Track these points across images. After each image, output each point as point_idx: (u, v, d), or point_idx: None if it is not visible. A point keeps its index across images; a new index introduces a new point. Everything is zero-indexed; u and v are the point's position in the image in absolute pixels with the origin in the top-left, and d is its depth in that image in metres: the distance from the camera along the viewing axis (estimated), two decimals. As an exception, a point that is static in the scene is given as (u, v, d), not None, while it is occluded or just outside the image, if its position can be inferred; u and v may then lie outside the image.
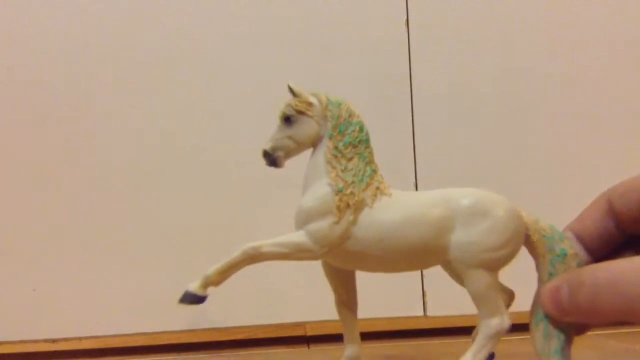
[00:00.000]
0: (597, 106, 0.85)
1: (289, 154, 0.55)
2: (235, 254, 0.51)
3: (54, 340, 0.77)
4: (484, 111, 0.84)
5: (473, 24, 0.84)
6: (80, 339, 0.77)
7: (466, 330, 0.69)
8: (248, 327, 0.78)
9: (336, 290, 0.57)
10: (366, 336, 0.77)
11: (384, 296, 0.80)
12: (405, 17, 0.83)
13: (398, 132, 0.82)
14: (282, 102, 0.65)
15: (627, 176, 0.46)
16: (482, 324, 0.50)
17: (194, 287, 0.51)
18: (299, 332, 0.79)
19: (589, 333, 0.79)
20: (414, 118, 0.83)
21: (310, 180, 0.54)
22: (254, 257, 0.51)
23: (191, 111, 0.82)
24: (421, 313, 0.79)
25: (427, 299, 0.79)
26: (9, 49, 0.81)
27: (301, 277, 0.80)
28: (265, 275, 0.79)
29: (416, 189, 0.81)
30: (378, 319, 0.79)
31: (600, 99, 0.85)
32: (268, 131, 0.79)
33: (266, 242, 0.51)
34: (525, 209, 0.59)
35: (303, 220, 0.52)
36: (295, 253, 0.52)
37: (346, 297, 0.57)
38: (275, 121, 0.60)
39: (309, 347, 0.77)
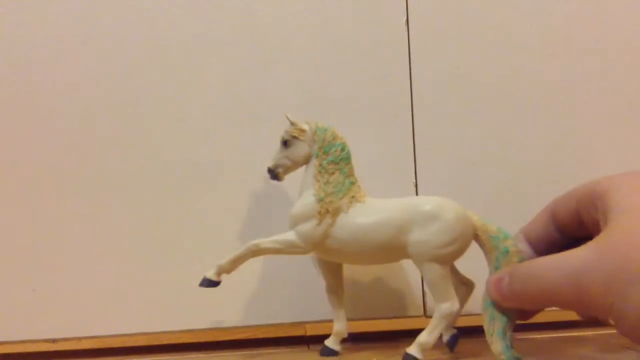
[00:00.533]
0: (599, 107, 0.85)
1: (287, 170, 0.69)
2: (241, 248, 0.65)
3: (54, 340, 0.77)
4: (485, 111, 0.84)
5: (473, 23, 0.84)
6: (80, 339, 0.77)
7: (466, 330, 0.69)
8: (248, 327, 0.78)
9: (326, 278, 0.71)
10: (367, 336, 0.77)
11: (385, 297, 0.80)
12: (405, 17, 0.83)
13: (398, 132, 0.82)
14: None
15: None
16: (435, 308, 0.62)
17: (209, 274, 0.65)
18: (299, 332, 0.79)
19: (589, 333, 0.80)
20: (414, 118, 0.83)
21: (302, 191, 0.68)
22: (255, 252, 0.65)
23: (195, 112, 0.82)
24: (421, 313, 0.79)
25: (427, 299, 0.79)
26: (9, 49, 0.81)
27: (301, 277, 0.80)
28: (265, 275, 0.80)
29: (416, 189, 0.82)
30: (378, 319, 0.79)
31: (604, 99, 0.85)
32: (266, 131, 0.80)
33: (265, 240, 0.66)
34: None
35: (293, 222, 0.66)
36: (287, 249, 0.66)
37: (334, 284, 0.70)
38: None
39: (309, 348, 0.77)
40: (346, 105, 0.82)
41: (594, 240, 0.44)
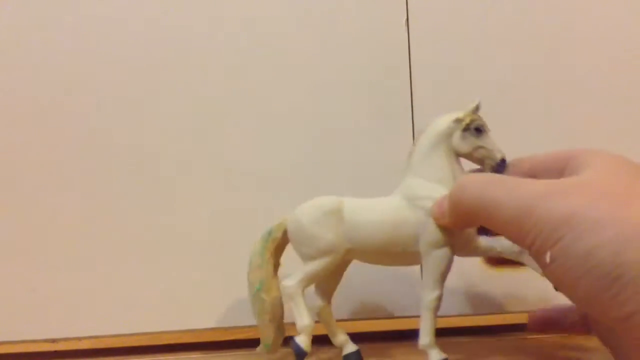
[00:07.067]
0: (600, 107, 0.85)
1: None
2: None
3: (54, 340, 0.77)
4: (485, 111, 0.84)
5: (474, 23, 0.84)
6: (80, 339, 0.77)
7: (466, 331, 0.70)
8: (248, 327, 0.78)
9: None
10: (367, 336, 0.77)
11: (385, 297, 0.80)
12: (405, 17, 0.83)
13: (398, 133, 0.82)
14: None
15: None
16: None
17: None
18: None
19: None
20: (414, 118, 0.83)
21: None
22: None
23: (197, 113, 0.82)
24: (420, 313, 0.79)
25: (427, 299, 0.79)
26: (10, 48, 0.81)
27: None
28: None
29: (416, 189, 0.81)
30: (378, 319, 0.79)
31: (605, 99, 0.85)
32: (267, 131, 0.79)
33: None
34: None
35: None
36: None
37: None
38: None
39: (309, 347, 0.77)
40: (346, 105, 0.82)
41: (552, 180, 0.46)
